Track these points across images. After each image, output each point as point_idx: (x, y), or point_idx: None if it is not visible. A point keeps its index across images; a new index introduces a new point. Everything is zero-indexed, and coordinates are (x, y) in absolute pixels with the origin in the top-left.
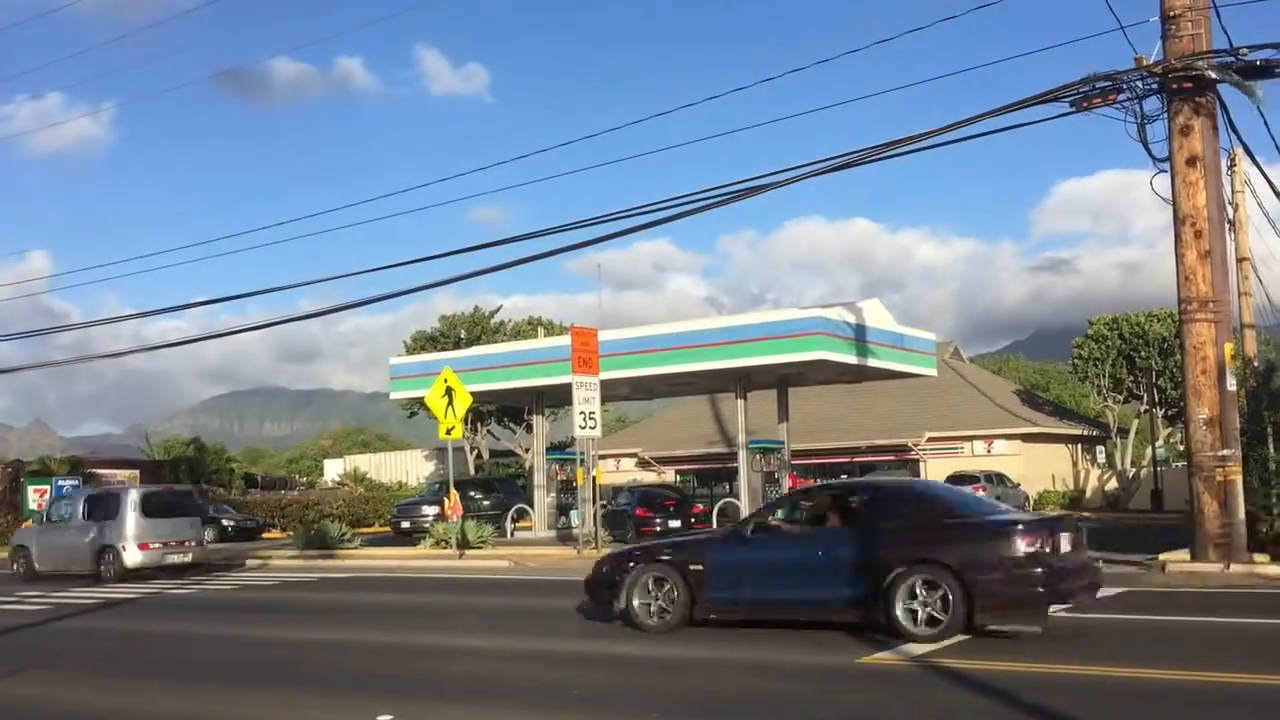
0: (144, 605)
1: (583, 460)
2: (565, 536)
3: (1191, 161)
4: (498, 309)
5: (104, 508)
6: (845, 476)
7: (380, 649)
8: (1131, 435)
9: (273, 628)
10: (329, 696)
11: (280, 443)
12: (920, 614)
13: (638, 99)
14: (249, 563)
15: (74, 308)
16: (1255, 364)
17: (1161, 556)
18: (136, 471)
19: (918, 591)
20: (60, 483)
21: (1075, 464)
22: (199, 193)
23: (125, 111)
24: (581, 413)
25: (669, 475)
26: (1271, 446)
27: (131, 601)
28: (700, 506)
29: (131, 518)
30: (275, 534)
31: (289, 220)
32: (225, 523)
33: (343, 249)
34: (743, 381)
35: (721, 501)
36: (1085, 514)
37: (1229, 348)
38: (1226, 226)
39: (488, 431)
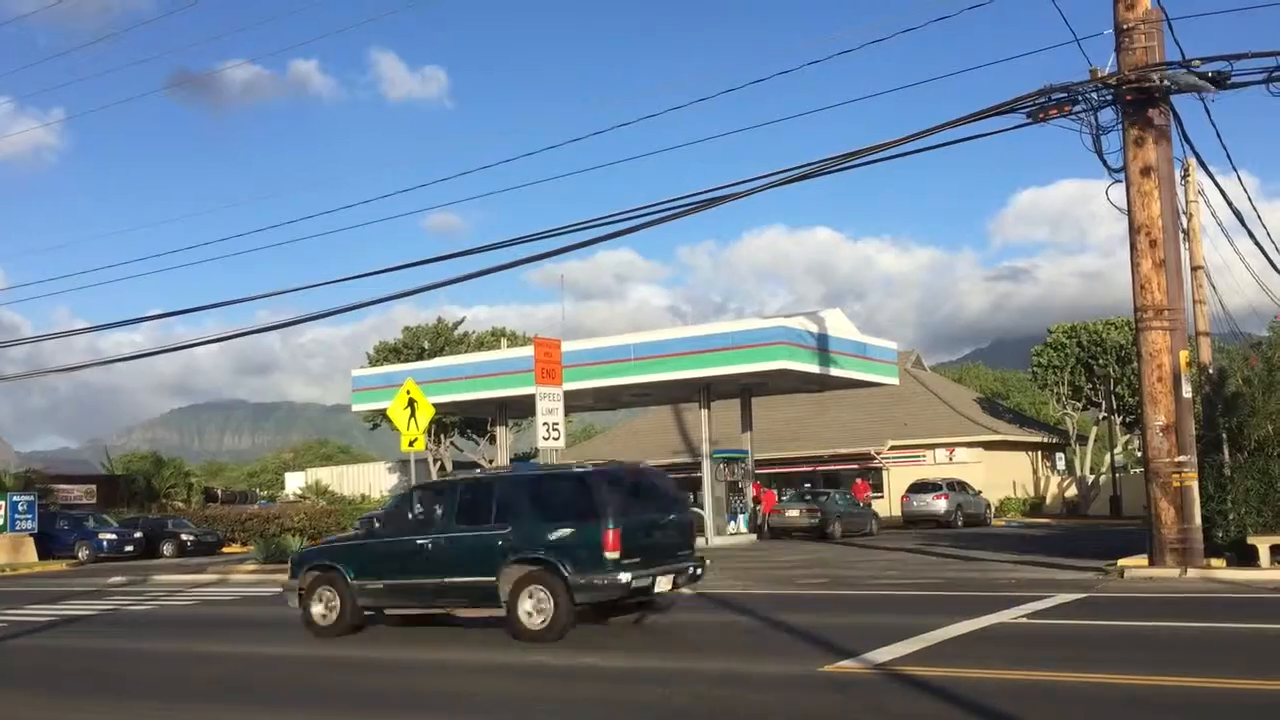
0: (99, 622)
1: None
2: None
3: (1146, 172)
4: (461, 320)
5: None
6: (808, 485)
7: (339, 663)
8: (1090, 442)
9: (231, 643)
10: (287, 713)
11: (240, 456)
12: None
13: (601, 108)
14: (207, 576)
15: (25, 320)
16: (1210, 371)
17: (1120, 562)
18: (94, 486)
19: None
20: (15, 498)
21: (1036, 471)
22: (153, 203)
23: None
24: (545, 424)
25: None
26: (1227, 453)
27: (86, 618)
28: None
29: None
30: (236, 548)
31: (248, 232)
32: (184, 537)
33: (302, 259)
34: (706, 391)
35: None
36: (1046, 520)
37: (1184, 355)
38: (1181, 236)
39: (451, 443)
